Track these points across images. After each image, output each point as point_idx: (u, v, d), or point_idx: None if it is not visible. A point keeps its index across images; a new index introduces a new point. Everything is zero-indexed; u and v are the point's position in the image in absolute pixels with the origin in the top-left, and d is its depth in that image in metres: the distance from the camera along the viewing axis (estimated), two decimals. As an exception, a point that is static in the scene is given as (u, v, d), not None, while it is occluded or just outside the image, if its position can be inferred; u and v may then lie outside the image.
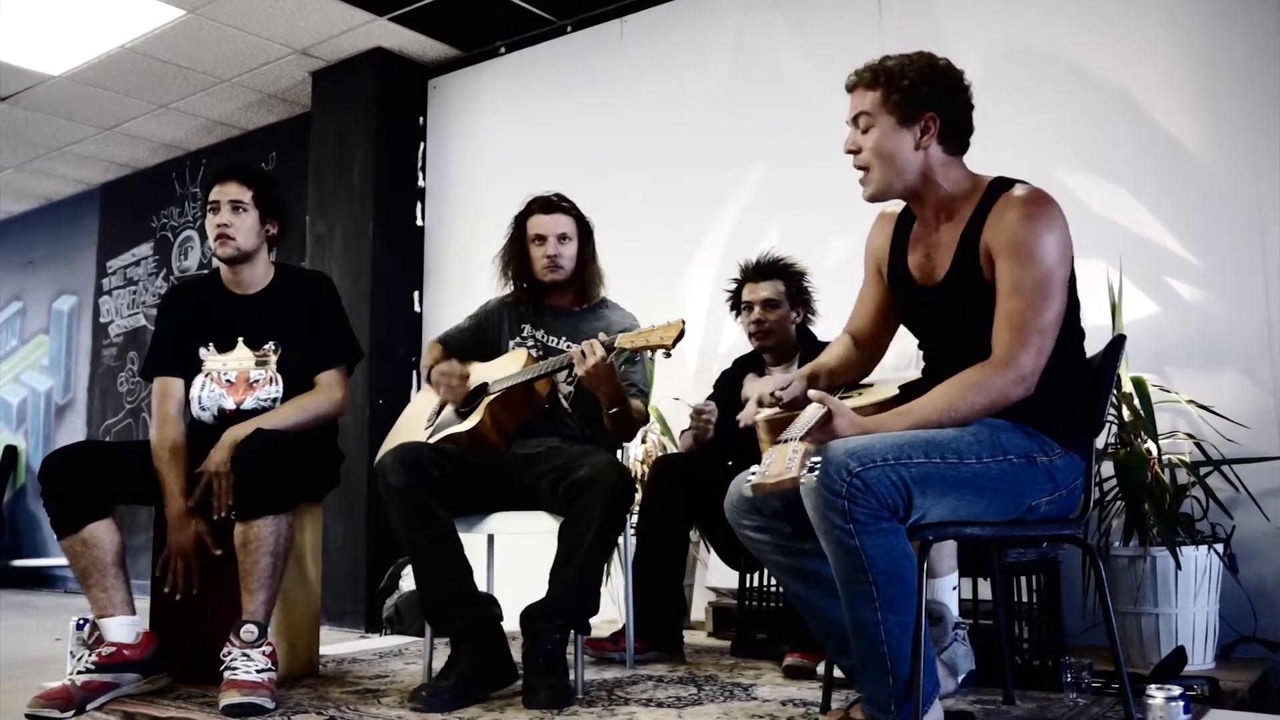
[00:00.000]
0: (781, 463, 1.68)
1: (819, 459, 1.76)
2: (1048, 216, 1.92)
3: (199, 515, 2.73)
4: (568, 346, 2.95)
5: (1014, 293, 1.90)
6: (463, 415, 2.88)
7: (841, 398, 2.14)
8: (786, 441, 1.74)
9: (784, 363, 3.29)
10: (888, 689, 1.85)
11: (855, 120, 2.04)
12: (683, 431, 3.34)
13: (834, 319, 3.32)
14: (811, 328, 3.34)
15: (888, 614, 1.80)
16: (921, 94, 1.98)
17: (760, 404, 2.11)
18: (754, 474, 1.72)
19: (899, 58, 2.02)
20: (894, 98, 1.99)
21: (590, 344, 2.65)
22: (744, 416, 2.16)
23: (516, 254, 3.06)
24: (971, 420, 1.89)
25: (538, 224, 3.01)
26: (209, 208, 2.92)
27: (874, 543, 1.77)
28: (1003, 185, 2.01)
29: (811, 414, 1.84)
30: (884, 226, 2.23)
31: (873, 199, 2.07)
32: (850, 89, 2.06)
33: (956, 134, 2.03)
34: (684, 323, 2.55)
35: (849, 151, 2.06)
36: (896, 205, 2.19)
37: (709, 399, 3.31)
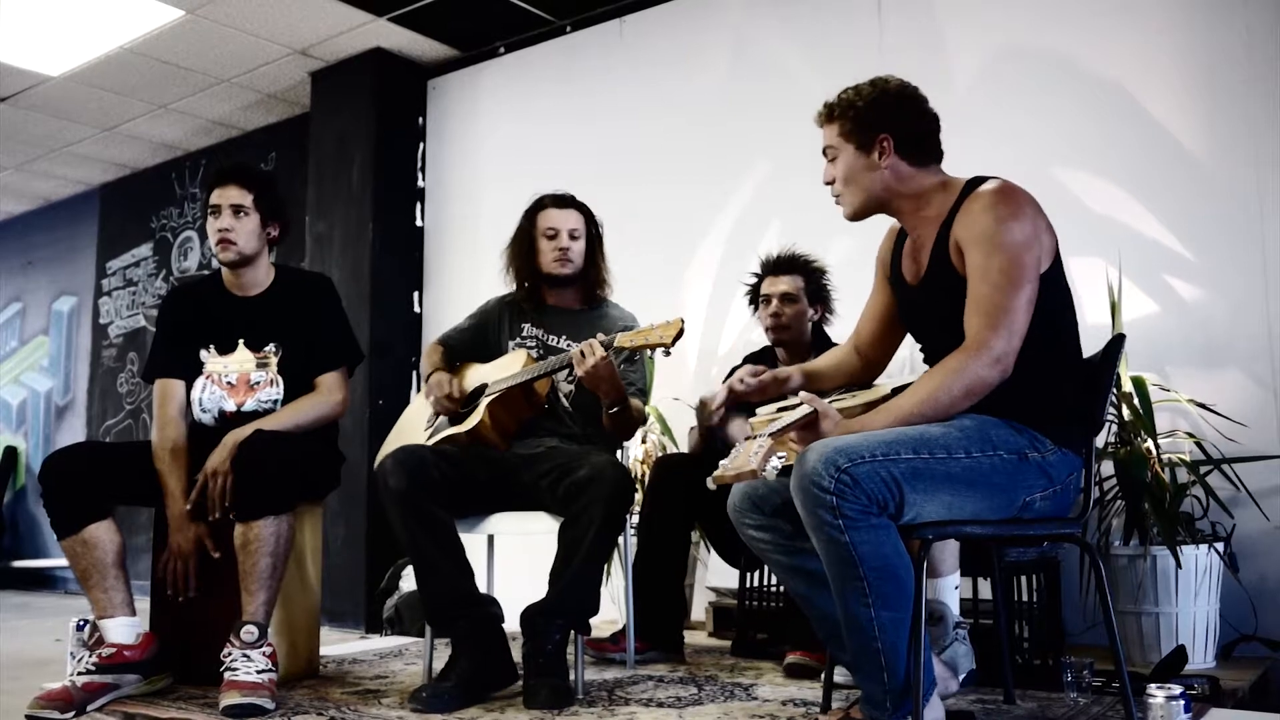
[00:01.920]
0: (744, 456, 1.71)
1: (783, 456, 1.78)
2: (1011, 205, 1.97)
3: (199, 517, 2.73)
4: (568, 345, 2.95)
5: (981, 279, 1.94)
6: (462, 415, 2.88)
7: (832, 401, 2.16)
8: (756, 437, 1.76)
9: (797, 360, 3.29)
10: (882, 687, 1.86)
11: (825, 153, 2.19)
12: (691, 429, 3.35)
13: (835, 319, 3.34)
14: (827, 328, 3.34)
15: (881, 611, 1.82)
16: (870, 119, 2.11)
17: (731, 390, 2.24)
18: (719, 466, 1.75)
19: (851, 90, 2.16)
20: (847, 127, 2.13)
21: (589, 344, 2.66)
22: (715, 398, 2.29)
23: (524, 248, 3.06)
24: (954, 409, 1.92)
25: (550, 218, 3.01)
26: (210, 211, 2.91)
27: (864, 539, 1.79)
28: (976, 183, 2.07)
29: (797, 412, 1.87)
30: (889, 236, 2.33)
31: (850, 219, 2.20)
32: (818, 125, 2.21)
33: (915, 147, 2.12)
34: (683, 321, 2.56)
35: (826, 183, 2.20)
36: None
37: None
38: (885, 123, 2.09)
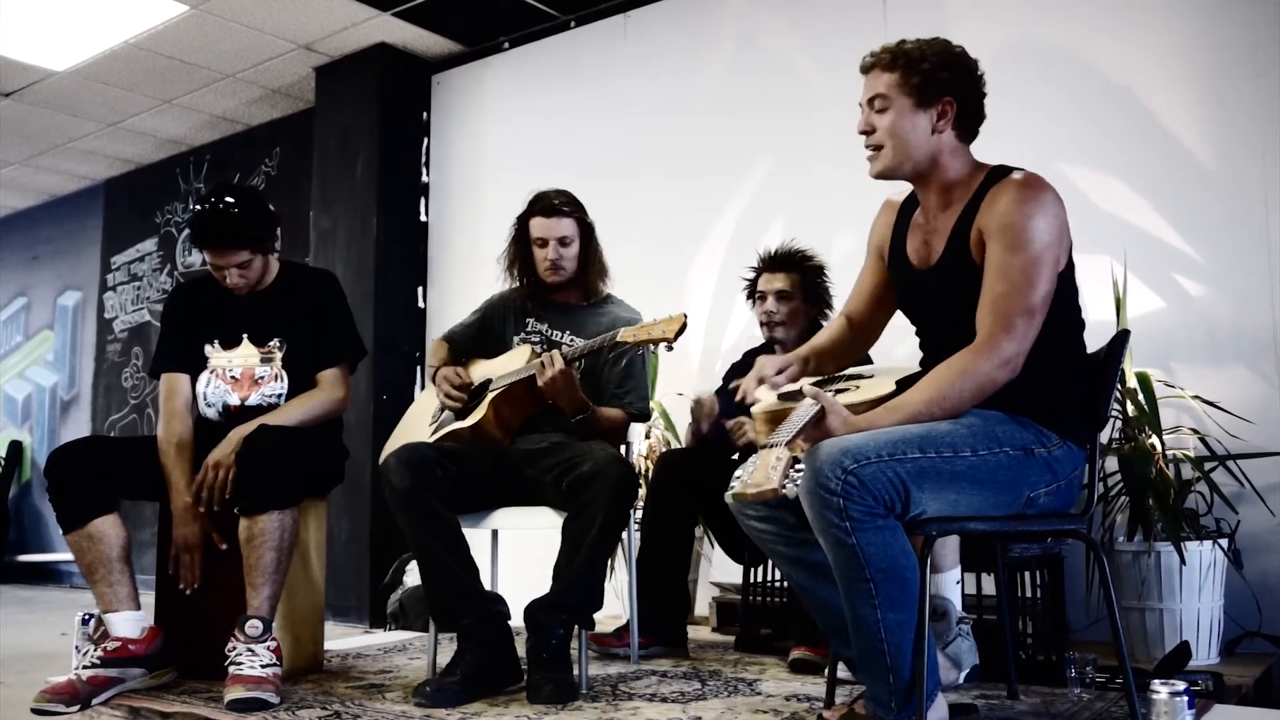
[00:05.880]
0: (764, 471, 1.67)
1: (802, 467, 1.76)
2: (1039, 200, 1.93)
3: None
4: (571, 341, 2.96)
5: (1000, 276, 1.91)
6: (467, 410, 2.89)
7: (837, 393, 2.14)
8: (771, 447, 1.73)
9: None
10: (888, 686, 1.86)
11: (870, 102, 2.05)
12: (688, 425, 3.34)
13: (833, 315, 3.34)
14: (825, 323, 3.33)
15: (887, 612, 1.81)
16: (941, 78, 2.00)
17: (761, 381, 2.13)
18: (736, 480, 1.72)
19: (917, 41, 2.04)
20: (914, 80, 2.00)
21: (550, 355, 2.68)
22: (744, 389, 2.16)
23: (520, 253, 3.06)
24: (962, 408, 1.89)
25: (538, 226, 2.99)
26: (214, 269, 2.85)
27: (870, 540, 1.78)
28: (1001, 172, 2.03)
29: (805, 411, 1.85)
30: (888, 213, 2.26)
31: (879, 177, 2.08)
32: (866, 70, 2.07)
33: (970, 120, 2.05)
34: (685, 316, 2.55)
35: (862, 131, 2.07)
36: (901, 193, 2.22)
37: (719, 390, 3.30)
38: (953, 86, 2.00)
